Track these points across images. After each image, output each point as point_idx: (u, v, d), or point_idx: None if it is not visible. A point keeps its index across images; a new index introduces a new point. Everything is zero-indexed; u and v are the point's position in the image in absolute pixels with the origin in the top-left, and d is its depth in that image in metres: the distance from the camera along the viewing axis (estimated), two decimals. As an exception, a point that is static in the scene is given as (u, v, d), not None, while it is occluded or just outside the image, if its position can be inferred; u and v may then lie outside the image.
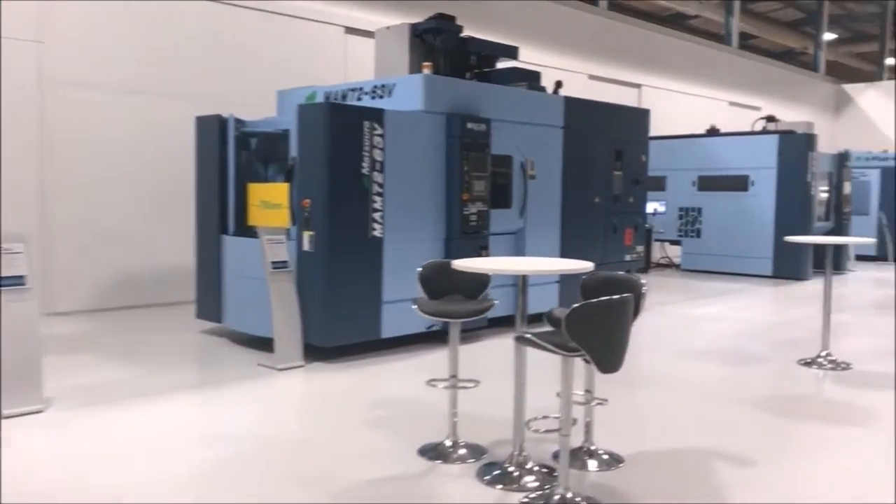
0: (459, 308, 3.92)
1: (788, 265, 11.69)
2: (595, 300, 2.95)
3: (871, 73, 24.48)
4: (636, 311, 3.35)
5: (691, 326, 7.99)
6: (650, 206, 12.75)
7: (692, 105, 16.70)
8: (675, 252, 13.50)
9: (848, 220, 13.25)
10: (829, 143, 13.84)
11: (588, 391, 3.82)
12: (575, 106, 7.91)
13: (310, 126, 5.84)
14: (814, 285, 11.09)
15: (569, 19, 14.05)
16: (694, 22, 22.43)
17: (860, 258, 14.68)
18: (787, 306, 9.64)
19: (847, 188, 13.25)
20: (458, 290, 4.08)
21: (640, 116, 8.99)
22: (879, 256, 14.91)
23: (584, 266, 3.60)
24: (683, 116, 15.81)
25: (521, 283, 3.60)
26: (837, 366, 5.97)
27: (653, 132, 11.14)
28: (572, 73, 13.13)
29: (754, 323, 8.23)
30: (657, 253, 13.72)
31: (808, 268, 11.81)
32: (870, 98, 22.38)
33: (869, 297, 10.37)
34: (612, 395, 4.20)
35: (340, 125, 5.81)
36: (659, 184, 12.99)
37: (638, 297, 3.48)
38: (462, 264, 3.62)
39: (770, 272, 11.88)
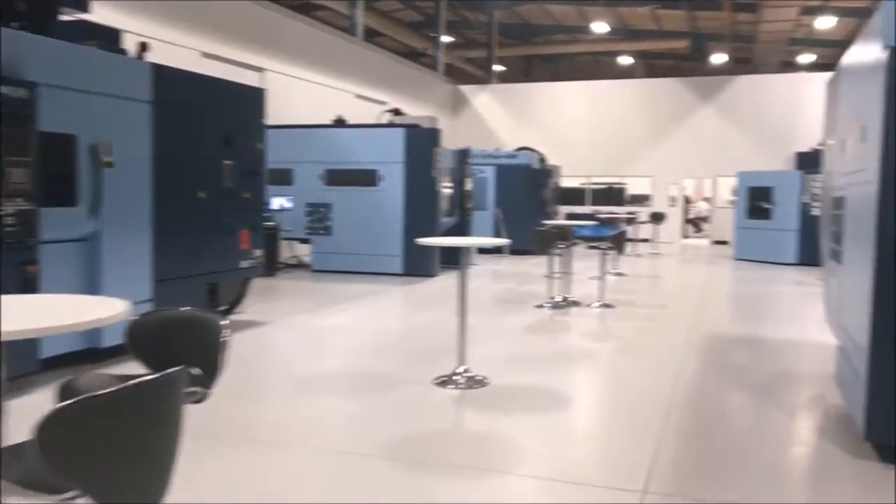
0: None
1: (417, 262, 11.38)
2: (88, 398, 1.53)
3: (482, 77, 26.38)
4: (211, 373, 2.02)
5: (319, 343, 6.92)
6: (275, 202, 11.53)
7: (320, 95, 15.90)
8: (305, 251, 12.49)
9: (470, 216, 13.50)
10: (449, 140, 14.00)
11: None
12: (167, 76, 6.27)
13: None
14: (442, 282, 10.90)
15: (178, -14, 12.16)
16: (322, 14, 21.82)
17: (481, 251, 15.24)
18: (419, 308, 9.14)
19: (469, 184, 13.49)
20: None
21: (253, 96, 7.64)
22: (496, 250, 15.65)
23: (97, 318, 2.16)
24: (311, 106, 14.90)
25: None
26: (475, 383, 5.32)
27: (277, 121, 9.89)
28: (182, 49, 11.31)
29: (387, 333, 7.45)
30: (286, 253, 12.57)
31: (436, 264, 11.64)
32: (482, 99, 24.00)
33: (491, 292, 10.40)
34: (193, 474, 2.79)
35: None
36: (285, 177, 11.84)
37: (213, 359, 2.15)
38: None
39: (400, 270, 11.46)
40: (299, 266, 12.50)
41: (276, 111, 13.29)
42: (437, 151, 11.59)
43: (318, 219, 11.86)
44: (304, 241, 12.19)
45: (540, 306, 8.83)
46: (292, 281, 11.07)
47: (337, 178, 11.79)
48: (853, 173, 4.61)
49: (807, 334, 7.42)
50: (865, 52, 4.40)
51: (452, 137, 17.69)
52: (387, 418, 4.58)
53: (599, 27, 23.11)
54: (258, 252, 7.47)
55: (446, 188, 12.27)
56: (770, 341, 7.25)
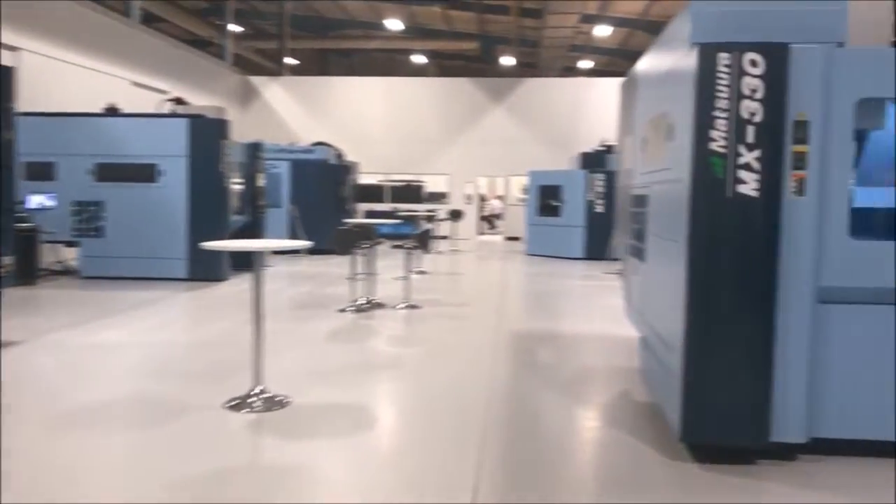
0: None
1: (204, 266, 10.39)
2: None
3: (274, 69, 25.29)
4: None
5: (87, 364, 5.91)
6: (33, 200, 10.05)
7: (91, 81, 14.22)
8: (73, 255, 11.00)
9: (264, 214, 12.67)
10: (239, 133, 13.07)
11: None
12: None
13: None
14: (233, 287, 10.05)
15: None
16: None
17: (276, 253, 14.42)
18: (207, 318, 8.27)
19: (261, 180, 12.65)
20: None
21: (-2, 75, 6.42)
22: (293, 250, 14.90)
23: None
24: (79, 93, 13.27)
25: None
26: (273, 404, 4.73)
27: (39, 108, 8.57)
28: None
29: (169, 349, 6.58)
30: (49, 257, 11.01)
31: (226, 267, 10.74)
32: (275, 92, 22.98)
33: (290, 296, 9.74)
34: None
35: None
36: (45, 172, 10.34)
37: None
38: None
39: (185, 274, 10.43)
40: (66, 272, 10.99)
41: (37, 97, 11.66)
42: (226, 144, 10.69)
43: (87, 219, 10.48)
44: (70, 244, 10.73)
45: (343, 310, 8.35)
46: (57, 290, 9.66)
47: (110, 172, 10.48)
48: (657, 171, 4.61)
49: (604, 328, 7.59)
50: (670, 52, 4.40)
51: (243, 130, 16.61)
52: (169, 456, 3.88)
53: (393, 24, 23.02)
54: (5, 259, 6.29)
55: (236, 184, 11.38)
56: (572, 336, 7.32)
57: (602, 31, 22.98)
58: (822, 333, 3.73)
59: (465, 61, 29.92)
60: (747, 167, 3.62)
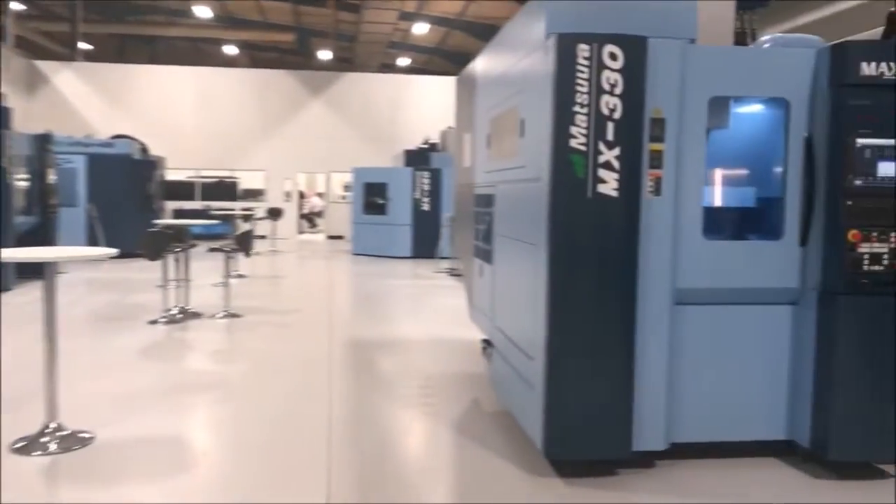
0: None
1: (-16, 275, 8.98)
2: None
3: (65, 54, 22.86)
4: None
5: None
6: None
7: None
8: None
9: (55, 214, 11.21)
10: (24, 123, 11.53)
11: None
12: None
13: None
14: (19, 298, 8.72)
15: None
16: None
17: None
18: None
19: (52, 176, 11.18)
20: None
21: None
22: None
23: None
24: None
25: None
26: (73, 442, 3.97)
27: None
28: None
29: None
30: None
31: (10, 275, 9.35)
32: (67, 79, 20.71)
33: (90, 307, 8.62)
34: None
35: None
36: None
37: None
38: None
39: (-41, 286, 8.93)
40: None
41: None
42: (7, 135, 9.29)
43: None
44: None
45: (154, 322, 7.46)
46: None
47: None
48: (507, 170, 4.38)
49: (442, 331, 7.34)
50: (519, 44, 4.16)
51: (28, 120, 14.74)
52: (-68, 525, 3.07)
53: (202, 12, 21.59)
54: None
55: (21, 181, 9.96)
56: (410, 342, 7.00)
57: (420, 29, 22.97)
58: (678, 336, 3.65)
59: (281, 53, 28.82)
60: (608, 166, 3.45)
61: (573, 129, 3.43)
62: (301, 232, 22.79)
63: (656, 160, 3.54)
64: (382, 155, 20.10)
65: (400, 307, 9.50)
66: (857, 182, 3.48)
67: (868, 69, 3.43)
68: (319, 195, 24.89)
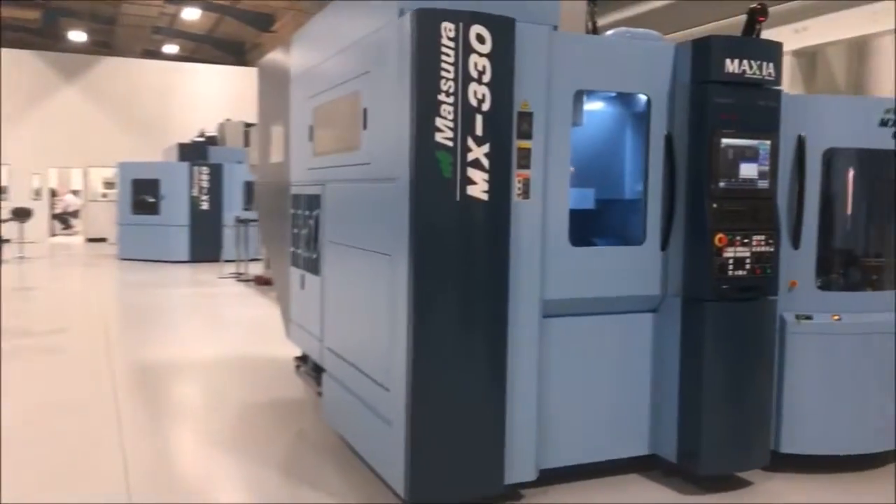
0: None
1: None
2: None
3: None
4: None
5: None
6: None
7: None
8: None
9: None
10: None
11: None
12: None
13: None
14: None
15: None
16: None
17: None
18: None
19: None
20: None
21: None
22: None
23: None
24: None
25: None
26: None
27: None
28: None
29: None
30: None
31: None
32: None
33: None
34: None
35: None
36: None
37: None
38: None
39: None
40: None
41: None
42: None
43: None
44: None
45: None
46: None
47: None
48: (342, 167, 3.80)
49: (244, 348, 6.53)
50: (360, 19, 3.60)
51: None
52: None
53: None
54: None
55: None
56: (209, 363, 6.10)
57: (190, 15, 21.23)
58: (545, 353, 3.31)
59: (25, 33, 25.32)
60: (477, 164, 3.01)
61: (439, 122, 2.94)
62: (54, 234, 20.17)
63: (524, 159, 3.16)
64: (150, 148, 18.23)
65: (190, 321, 8.43)
66: (722, 184, 3.36)
67: (732, 66, 3.31)
68: (74, 192, 22.16)
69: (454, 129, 2.96)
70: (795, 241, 3.58)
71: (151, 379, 5.53)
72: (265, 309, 8.51)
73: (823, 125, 3.61)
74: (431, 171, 2.96)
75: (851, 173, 3.88)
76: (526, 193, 3.17)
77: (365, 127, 3.47)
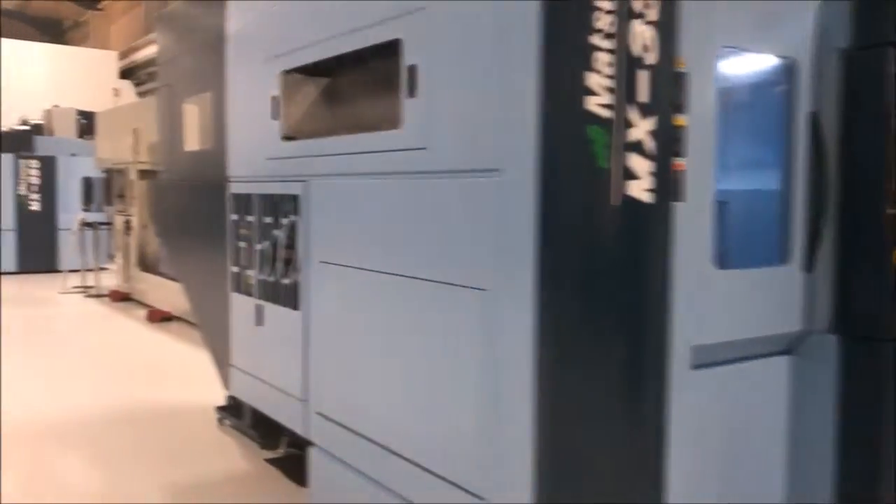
0: None
1: None
2: None
3: None
4: None
5: None
6: None
7: None
8: None
9: None
10: None
11: None
12: None
13: None
14: None
15: None
16: None
17: None
18: None
19: None
20: None
21: None
22: None
23: None
24: None
25: None
26: None
27: None
28: None
29: None
30: None
31: None
32: None
33: None
34: None
35: None
36: None
37: None
38: None
39: None
40: None
41: None
42: None
43: None
44: None
45: None
46: None
47: None
48: (365, 154, 2.58)
49: (138, 394, 5.00)
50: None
51: None
52: None
53: None
54: None
55: None
56: (97, 421, 4.50)
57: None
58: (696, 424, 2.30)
59: None
60: (639, 148, 1.94)
61: (592, 80, 1.85)
62: None
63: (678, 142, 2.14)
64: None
65: (40, 354, 6.48)
66: None
67: None
68: None
69: (613, 93, 1.87)
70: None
71: (18, 446, 3.91)
72: (134, 333, 6.88)
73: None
74: (577, 158, 1.86)
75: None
76: (680, 193, 2.15)
77: (412, 94, 2.29)
